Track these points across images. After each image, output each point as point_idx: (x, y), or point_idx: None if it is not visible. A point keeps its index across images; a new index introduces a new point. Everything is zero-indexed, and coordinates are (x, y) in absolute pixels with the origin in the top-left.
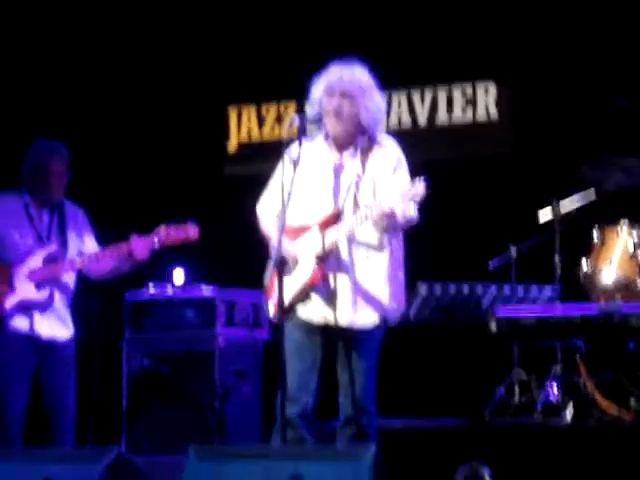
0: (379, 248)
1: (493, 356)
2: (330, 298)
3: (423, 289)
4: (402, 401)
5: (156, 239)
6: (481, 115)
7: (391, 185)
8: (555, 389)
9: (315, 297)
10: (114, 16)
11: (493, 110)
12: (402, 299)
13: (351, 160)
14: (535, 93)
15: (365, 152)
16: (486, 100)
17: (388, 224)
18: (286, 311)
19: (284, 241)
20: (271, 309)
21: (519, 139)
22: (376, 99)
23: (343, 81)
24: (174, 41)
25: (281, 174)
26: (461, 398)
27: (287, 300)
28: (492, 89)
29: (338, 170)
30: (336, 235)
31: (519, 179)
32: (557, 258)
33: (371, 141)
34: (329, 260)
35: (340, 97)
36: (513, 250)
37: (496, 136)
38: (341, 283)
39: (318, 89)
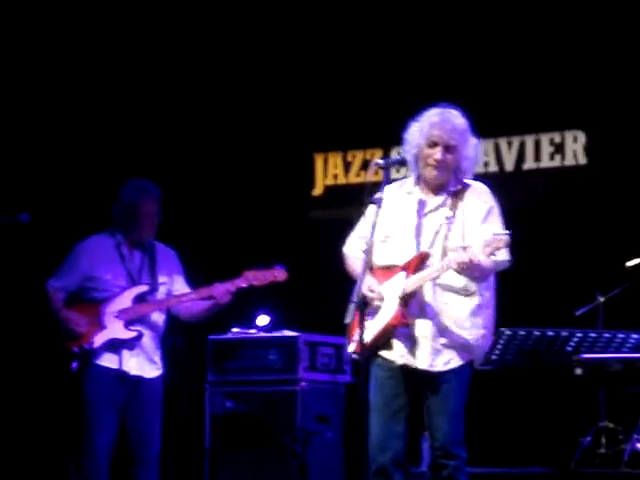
0: (465, 293)
1: (580, 405)
2: (410, 341)
3: (506, 334)
4: (486, 448)
5: (243, 283)
6: (569, 161)
7: (481, 233)
8: None
9: (396, 341)
10: (205, 64)
11: (582, 157)
12: (488, 341)
13: (442, 203)
14: (625, 141)
15: (457, 196)
16: (574, 148)
17: (470, 272)
18: (368, 349)
19: (371, 280)
20: (352, 347)
21: (608, 186)
22: (473, 144)
23: (446, 132)
24: (265, 92)
25: (366, 216)
26: (547, 446)
27: (369, 339)
28: (581, 137)
29: (428, 213)
30: (421, 279)
31: (607, 225)
32: None
33: (463, 185)
34: (412, 303)
35: (444, 150)
36: (600, 298)
37: (585, 182)
38: (423, 327)
39: (417, 135)
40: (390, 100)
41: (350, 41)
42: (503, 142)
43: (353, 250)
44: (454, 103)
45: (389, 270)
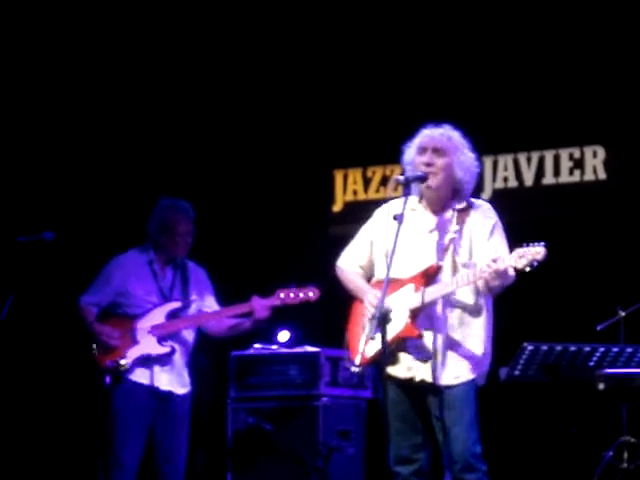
0: (475, 311)
1: (602, 420)
2: (419, 355)
3: (529, 348)
4: (508, 463)
5: (277, 301)
6: (589, 176)
7: (488, 249)
8: None
9: (403, 354)
10: (226, 85)
11: (601, 172)
12: (488, 358)
13: (447, 221)
14: None
15: (461, 214)
16: (594, 163)
17: (497, 284)
18: (372, 362)
19: (374, 293)
20: (357, 360)
21: (628, 201)
22: (468, 156)
23: (434, 138)
24: (286, 110)
25: (369, 231)
26: (570, 461)
27: (373, 353)
28: (600, 152)
29: (434, 230)
30: (435, 293)
31: (627, 240)
32: None
33: (467, 204)
34: (421, 316)
35: (432, 152)
36: (621, 313)
37: (604, 197)
38: (431, 340)
39: (411, 151)
40: (410, 116)
41: (370, 58)
42: (522, 157)
43: (349, 264)
44: (472, 119)
45: (393, 283)
